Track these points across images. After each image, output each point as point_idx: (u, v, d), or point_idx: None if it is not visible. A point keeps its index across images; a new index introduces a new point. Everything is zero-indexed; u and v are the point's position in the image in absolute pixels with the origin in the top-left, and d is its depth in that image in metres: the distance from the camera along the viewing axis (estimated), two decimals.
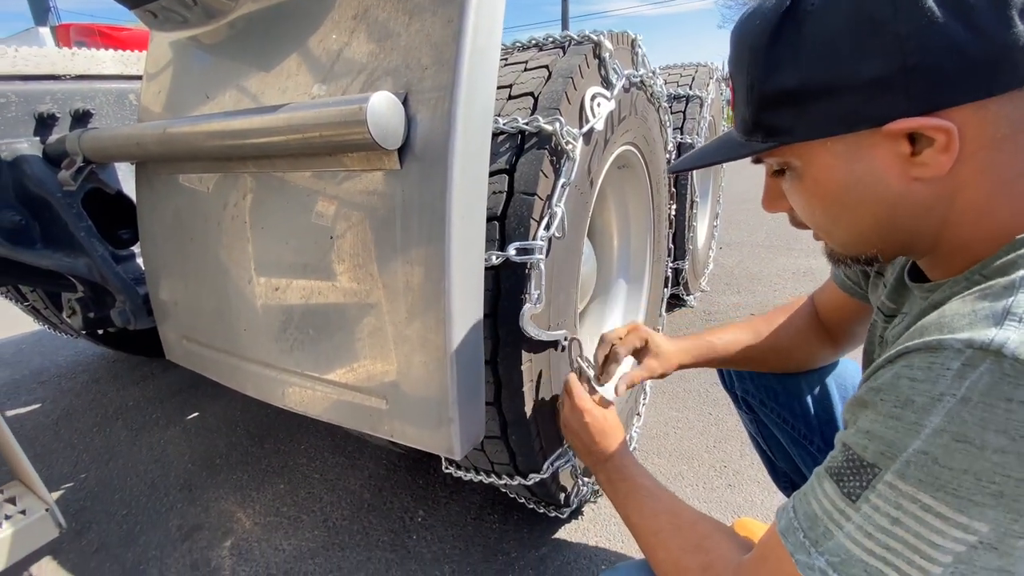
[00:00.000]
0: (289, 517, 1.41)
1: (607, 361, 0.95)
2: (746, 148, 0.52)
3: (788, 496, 1.10)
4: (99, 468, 1.69)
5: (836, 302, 0.85)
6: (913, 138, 0.42)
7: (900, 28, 0.40)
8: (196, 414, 1.97)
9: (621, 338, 0.94)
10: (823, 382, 0.93)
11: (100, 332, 2.15)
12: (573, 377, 0.91)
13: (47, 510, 1.07)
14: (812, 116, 0.45)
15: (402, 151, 0.68)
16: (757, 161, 0.54)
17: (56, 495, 1.57)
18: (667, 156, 1.62)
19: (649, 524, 0.67)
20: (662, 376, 0.94)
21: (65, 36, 2.85)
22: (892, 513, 0.39)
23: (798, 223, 0.56)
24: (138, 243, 1.15)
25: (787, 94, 0.46)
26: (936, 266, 0.51)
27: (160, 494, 1.55)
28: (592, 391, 0.91)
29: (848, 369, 0.94)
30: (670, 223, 1.83)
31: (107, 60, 1.29)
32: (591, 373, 0.97)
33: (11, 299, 2.12)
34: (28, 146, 1.12)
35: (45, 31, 3.01)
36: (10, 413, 2.09)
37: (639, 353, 0.95)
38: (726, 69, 0.55)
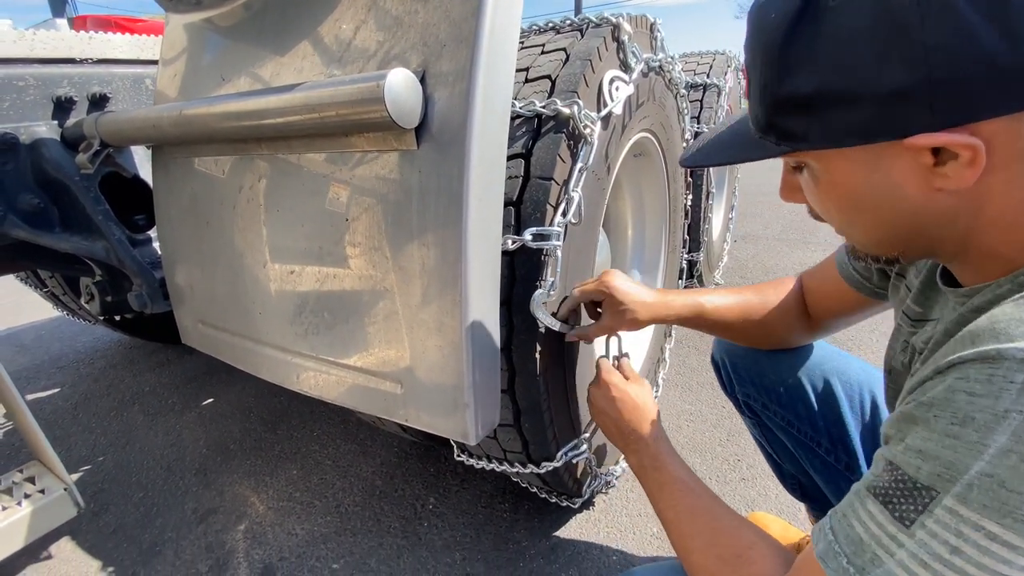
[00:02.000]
0: (302, 502, 1.42)
1: (565, 305, 0.93)
2: (760, 150, 0.49)
3: (797, 498, 1.07)
4: (116, 452, 1.72)
5: (830, 290, 0.81)
6: (937, 150, 0.40)
7: (927, 37, 0.36)
8: (211, 400, 2.00)
9: (585, 289, 0.92)
10: (827, 382, 0.89)
11: (117, 318, 2.18)
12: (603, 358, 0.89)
13: (66, 490, 1.09)
14: (827, 124, 0.42)
15: (419, 130, 0.66)
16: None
17: (74, 477, 1.59)
18: (684, 144, 1.59)
19: (685, 525, 0.63)
20: (631, 329, 0.90)
21: (82, 27, 2.88)
22: (952, 541, 0.36)
23: (816, 216, 0.54)
24: (154, 227, 1.16)
25: (802, 99, 0.42)
26: (967, 271, 0.49)
27: (176, 478, 1.57)
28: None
29: (852, 367, 0.90)
30: (685, 214, 1.80)
31: (123, 44, 1.29)
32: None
33: (31, 285, 2.16)
34: (46, 129, 1.13)
35: (62, 22, 3.03)
36: (30, 397, 2.13)
37: (601, 306, 0.92)
38: (742, 57, 0.53)
